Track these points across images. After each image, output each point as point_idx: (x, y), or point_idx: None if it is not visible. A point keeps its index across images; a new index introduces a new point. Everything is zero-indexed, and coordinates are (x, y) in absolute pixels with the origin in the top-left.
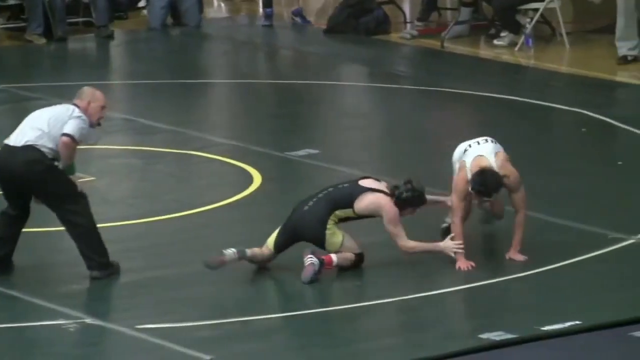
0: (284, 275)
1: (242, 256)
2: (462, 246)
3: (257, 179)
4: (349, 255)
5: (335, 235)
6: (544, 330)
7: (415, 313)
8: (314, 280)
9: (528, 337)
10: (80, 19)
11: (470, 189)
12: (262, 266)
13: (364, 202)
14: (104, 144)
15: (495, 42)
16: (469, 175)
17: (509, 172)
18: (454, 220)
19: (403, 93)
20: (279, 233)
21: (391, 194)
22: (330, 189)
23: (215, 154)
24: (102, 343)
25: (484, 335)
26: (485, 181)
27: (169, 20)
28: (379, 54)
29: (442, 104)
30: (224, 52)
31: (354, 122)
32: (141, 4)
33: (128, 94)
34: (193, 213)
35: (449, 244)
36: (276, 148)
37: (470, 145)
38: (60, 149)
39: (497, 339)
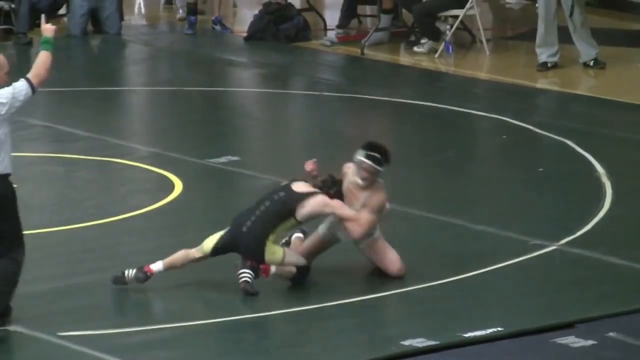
0: (208, 280)
1: (139, 281)
2: None
3: (178, 186)
4: (290, 269)
5: (275, 253)
6: (466, 336)
7: (336, 320)
8: (251, 294)
9: (450, 344)
10: (1, 27)
11: (359, 158)
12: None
13: (306, 209)
14: (25, 152)
15: (415, 49)
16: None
17: (381, 195)
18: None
19: (323, 100)
20: (219, 241)
21: (325, 193)
22: (267, 204)
23: (136, 161)
24: (23, 350)
25: (406, 342)
26: (380, 148)
27: (90, 27)
28: (299, 61)
29: (362, 111)
30: (144, 60)
31: (274, 129)
32: (61, 11)
33: (48, 102)
34: (114, 220)
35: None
36: (197, 155)
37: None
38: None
39: (419, 345)
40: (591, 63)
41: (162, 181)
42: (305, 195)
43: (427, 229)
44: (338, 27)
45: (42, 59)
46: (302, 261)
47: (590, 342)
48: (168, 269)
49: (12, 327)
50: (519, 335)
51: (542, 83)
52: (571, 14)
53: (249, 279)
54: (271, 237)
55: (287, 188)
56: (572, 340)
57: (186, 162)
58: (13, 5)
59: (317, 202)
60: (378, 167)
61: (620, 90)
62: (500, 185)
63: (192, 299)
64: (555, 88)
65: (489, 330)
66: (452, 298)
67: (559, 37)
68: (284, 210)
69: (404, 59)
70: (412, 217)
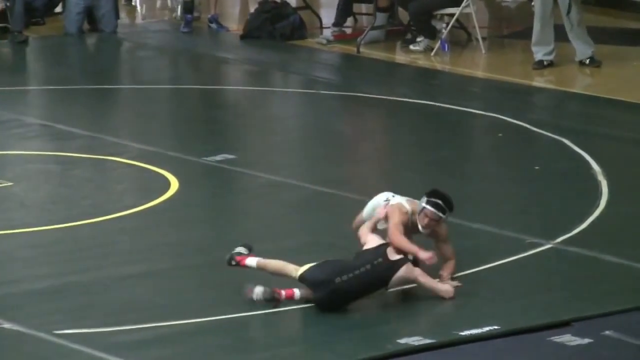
0: (206, 279)
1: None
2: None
3: (175, 184)
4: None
5: None
6: (462, 335)
7: (332, 318)
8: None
9: (446, 342)
10: None
11: (423, 205)
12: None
13: (396, 279)
14: (21, 150)
15: (411, 47)
16: (407, 207)
17: (444, 225)
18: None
19: (319, 98)
20: (307, 271)
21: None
22: (368, 267)
23: (132, 160)
24: (20, 348)
25: (402, 340)
26: (444, 195)
27: (86, 25)
28: (294, 60)
29: (358, 109)
30: (140, 58)
31: (270, 128)
32: (57, 9)
33: (44, 100)
34: (111, 218)
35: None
36: (193, 153)
37: (393, 195)
38: None
39: (416, 343)
40: (587, 61)
41: (158, 179)
42: (399, 265)
43: None
44: (334, 25)
45: None
46: None
47: (586, 341)
48: (260, 269)
49: (8, 326)
50: (515, 334)
51: (538, 81)
52: (568, 12)
53: (260, 295)
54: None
55: (384, 254)
56: (568, 339)
57: (182, 160)
58: (8, 4)
59: (406, 271)
60: (441, 215)
61: (617, 89)
62: (496, 183)
63: (189, 297)
64: (551, 86)
65: (485, 329)
66: None
67: (555, 35)
68: (380, 280)
69: (400, 57)
70: None
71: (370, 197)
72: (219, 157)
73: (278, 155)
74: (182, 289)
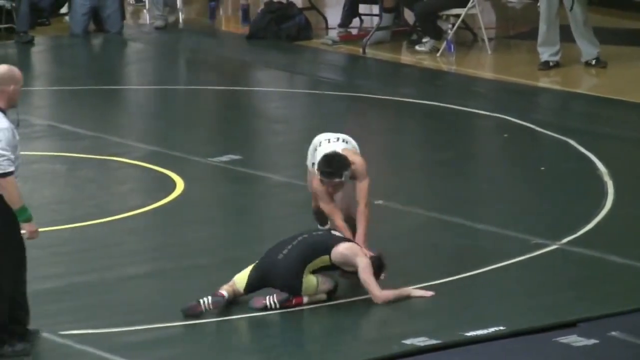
0: (210, 280)
1: (217, 306)
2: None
3: (180, 185)
4: (322, 297)
5: (309, 281)
6: (468, 335)
7: (338, 319)
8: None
9: (452, 343)
10: (3, 26)
11: (318, 175)
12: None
13: (340, 250)
14: (27, 150)
15: (417, 48)
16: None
17: (355, 160)
18: (338, 224)
19: (324, 99)
20: (250, 276)
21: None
22: (305, 236)
23: (138, 160)
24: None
25: (408, 341)
26: (329, 161)
27: (91, 26)
28: (300, 60)
29: (363, 110)
30: (146, 59)
31: (276, 128)
32: (63, 10)
33: (50, 100)
34: (116, 219)
35: (417, 292)
36: (199, 154)
37: (320, 144)
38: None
39: (421, 344)
40: (593, 62)
41: (163, 180)
42: (344, 239)
43: (428, 228)
44: (340, 26)
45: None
46: (333, 285)
47: (592, 341)
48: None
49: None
50: (521, 335)
51: (544, 82)
52: (571, 8)
53: (271, 303)
54: (308, 266)
55: (327, 231)
56: (574, 340)
57: (188, 160)
58: (14, 4)
59: (353, 249)
60: (339, 179)
61: (622, 89)
62: (502, 184)
63: (195, 297)
64: (557, 87)
65: (491, 329)
66: (454, 297)
67: (561, 36)
68: (321, 245)
69: (406, 57)
70: (413, 216)
71: (375, 197)
72: (224, 158)
73: (284, 156)
74: (188, 290)
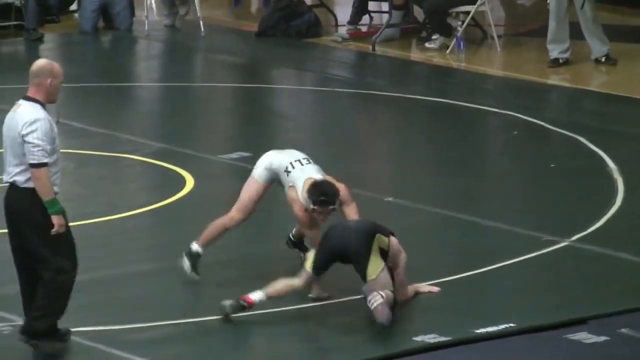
0: (216, 278)
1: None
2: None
3: (190, 181)
4: (391, 295)
5: (376, 261)
6: (478, 332)
7: (347, 316)
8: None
9: (462, 340)
10: (12, 23)
11: (311, 207)
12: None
13: (394, 239)
14: None
15: (427, 45)
16: (301, 200)
17: (339, 186)
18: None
19: (334, 96)
20: (317, 255)
21: None
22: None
23: (148, 157)
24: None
25: (418, 338)
26: (324, 189)
27: (101, 23)
28: (310, 57)
29: (373, 107)
30: (155, 56)
31: (285, 125)
32: (73, 7)
33: (59, 97)
34: (126, 216)
35: (425, 288)
36: (209, 151)
37: (293, 166)
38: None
39: (431, 341)
40: (603, 59)
41: (173, 177)
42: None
43: (438, 225)
44: (349, 23)
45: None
46: (391, 286)
47: (602, 338)
48: (272, 298)
49: (21, 323)
50: (531, 332)
51: (554, 79)
52: (582, 6)
53: (381, 302)
54: (376, 237)
55: None
56: (584, 336)
57: (197, 158)
58: (23, 1)
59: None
60: (332, 207)
61: (632, 87)
62: (511, 181)
63: (204, 295)
64: (567, 84)
65: (501, 326)
66: (464, 294)
67: (570, 33)
68: (384, 228)
69: (415, 55)
70: (423, 213)
71: (385, 194)
72: (234, 155)
73: None
74: (197, 287)
